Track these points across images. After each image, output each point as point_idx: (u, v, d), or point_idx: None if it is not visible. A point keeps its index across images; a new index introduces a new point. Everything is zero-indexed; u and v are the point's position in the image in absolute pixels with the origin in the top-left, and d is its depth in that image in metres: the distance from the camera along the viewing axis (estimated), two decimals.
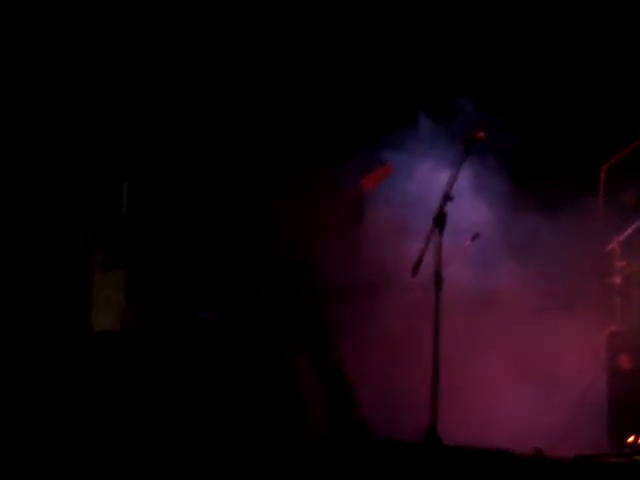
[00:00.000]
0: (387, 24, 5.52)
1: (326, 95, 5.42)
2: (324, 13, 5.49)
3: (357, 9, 5.51)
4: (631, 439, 4.73)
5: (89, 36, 5.10)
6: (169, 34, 5.33)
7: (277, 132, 5.03)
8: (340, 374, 4.89)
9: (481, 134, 4.61)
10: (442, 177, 4.59)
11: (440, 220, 4.64)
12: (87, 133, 5.10)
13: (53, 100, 4.98)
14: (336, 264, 4.94)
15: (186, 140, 5.32)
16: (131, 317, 5.13)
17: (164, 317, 5.12)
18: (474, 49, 5.50)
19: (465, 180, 4.87)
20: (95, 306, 5.06)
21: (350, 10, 5.50)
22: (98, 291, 5.09)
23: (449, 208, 4.61)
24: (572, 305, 5.08)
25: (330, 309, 4.93)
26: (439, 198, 4.53)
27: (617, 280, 4.99)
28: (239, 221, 5.00)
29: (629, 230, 5.02)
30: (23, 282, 4.89)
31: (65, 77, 5.02)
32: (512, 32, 5.48)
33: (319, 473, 4.30)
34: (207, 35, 5.37)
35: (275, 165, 4.93)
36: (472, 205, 5.12)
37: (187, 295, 5.15)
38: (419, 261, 4.63)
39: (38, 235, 4.91)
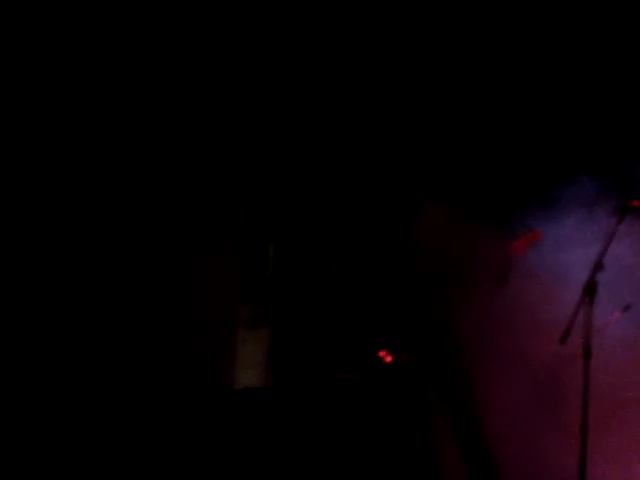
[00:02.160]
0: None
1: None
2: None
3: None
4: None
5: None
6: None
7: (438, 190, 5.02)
8: (481, 441, 4.81)
9: (636, 203, 4.52)
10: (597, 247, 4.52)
11: (590, 290, 4.58)
12: (237, 196, 5.26)
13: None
14: (479, 329, 4.91)
15: (332, 201, 5.41)
16: (272, 375, 5.19)
17: (304, 376, 5.16)
18: None
19: (621, 250, 4.76)
20: (238, 363, 5.15)
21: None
22: (241, 348, 5.18)
23: (600, 278, 4.57)
24: None
25: (472, 373, 4.89)
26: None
27: None
28: (384, 280, 5.03)
29: None
30: (169, 339, 5.01)
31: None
32: None
33: None
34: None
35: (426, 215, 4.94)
36: (626, 277, 4.98)
37: (328, 355, 5.18)
38: (568, 330, 4.56)
39: (186, 292, 5.04)
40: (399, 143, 5.35)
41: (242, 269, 5.25)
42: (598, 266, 4.56)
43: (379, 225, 5.19)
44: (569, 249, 5.06)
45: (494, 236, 4.92)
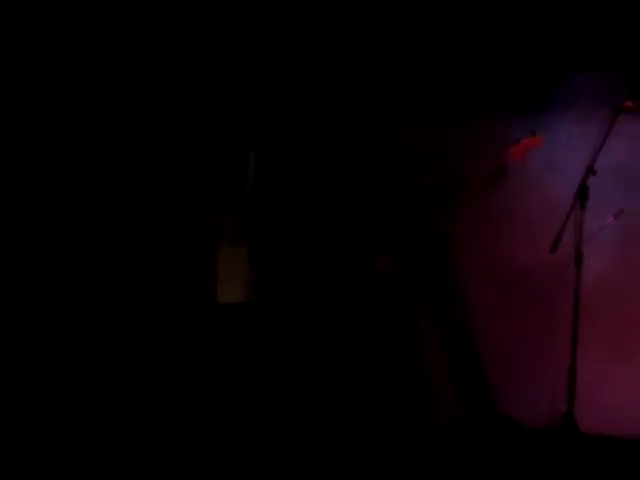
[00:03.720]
0: None
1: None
2: None
3: None
4: None
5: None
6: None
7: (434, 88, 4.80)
8: (469, 346, 4.73)
9: (629, 103, 4.34)
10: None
11: (582, 195, 4.45)
12: (216, 105, 5.04)
13: (180, 71, 4.92)
14: (470, 233, 4.80)
15: (312, 108, 5.18)
16: (255, 289, 5.08)
17: (289, 289, 5.05)
18: None
19: (615, 152, 4.59)
20: (220, 279, 5.02)
21: None
22: (223, 264, 5.05)
23: (592, 183, 4.43)
24: None
25: (461, 281, 4.78)
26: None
27: None
28: (375, 183, 4.86)
29: None
30: (148, 256, 4.88)
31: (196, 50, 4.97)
32: None
33: (450, 458, 4.20)
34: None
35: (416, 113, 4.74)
36: (619, 180, 4.80)
37: (313, 268, 5.05)
38: (559, 237, 4.46)
39: (165, 208, 4.88)
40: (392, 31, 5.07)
41: (223, 182, 5.07)
42: (590, 170, 4.43)
43: (370, 123, 4.97)
44: (565, 151, 4.88)
45: (492, 140, 4.78)
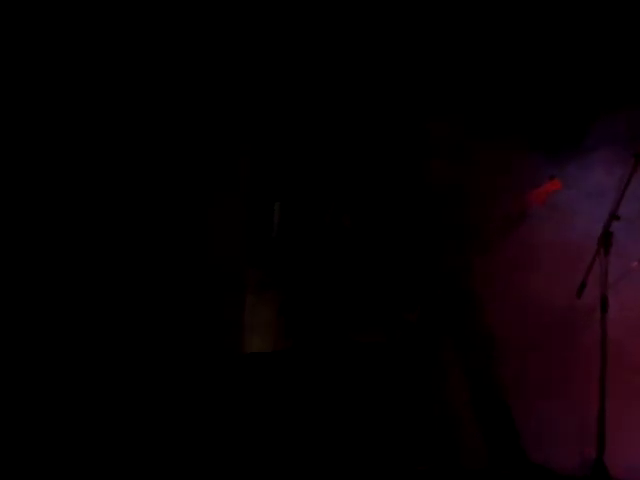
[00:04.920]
0: None
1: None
2: None
3: None
4: None
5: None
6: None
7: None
8: (500, 398, 4.72)
9: None
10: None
11: (606, 240, 4.49)
12: (241, 156, 5.12)
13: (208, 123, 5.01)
14: (494, 278, 4.83)
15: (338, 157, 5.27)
16: (282, 339, 5.10)
17: (318, 339, 5.07)
18: None
19: (638, 199, 4.64)
20: (247, 327, 5.05)
21: None
22: (250, 312, 5.08)
23: (616, 228, 4.48)
24: None
25: (488, 328, 4.80)
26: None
27: None
28: (397, 232, 4.91)
29: None
30: (175, 304, 4.91)
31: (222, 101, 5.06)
32: None
33: None
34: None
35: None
36: None
37: (341, 317, 5.08)
38: (584, 283, 4.49)
39: (192, 256, 4.93)
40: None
41: (248, 232, 5.13)
42: (613, 216, 4.48)
43: (392, 172, 5.04)
44: (590, 196, 4.94)
45: (513, 186, 4.84)
